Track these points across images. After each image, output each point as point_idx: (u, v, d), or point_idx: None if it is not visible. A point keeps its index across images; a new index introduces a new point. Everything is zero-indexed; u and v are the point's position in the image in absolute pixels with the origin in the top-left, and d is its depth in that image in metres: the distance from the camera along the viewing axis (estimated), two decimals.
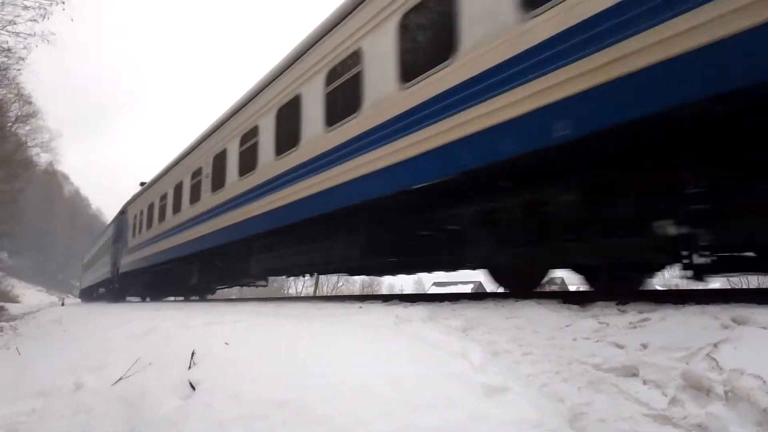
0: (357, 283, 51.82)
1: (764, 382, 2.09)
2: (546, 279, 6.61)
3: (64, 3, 16.64)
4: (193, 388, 2.79)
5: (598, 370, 2.77)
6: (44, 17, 17.36)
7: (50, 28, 20.15)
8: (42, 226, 65.71)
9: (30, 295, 50.04)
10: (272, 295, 31.57)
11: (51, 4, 16.90)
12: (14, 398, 3.75)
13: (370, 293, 29.10)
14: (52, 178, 70.78)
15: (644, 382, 2.53)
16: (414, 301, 6.27)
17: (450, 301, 5.82)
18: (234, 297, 19.61)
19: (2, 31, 17.99)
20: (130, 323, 5.68)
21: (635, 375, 2.62)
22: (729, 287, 4.37)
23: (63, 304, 25.31)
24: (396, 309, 5.13)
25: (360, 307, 6.11)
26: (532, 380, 2.87)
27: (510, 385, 2.64)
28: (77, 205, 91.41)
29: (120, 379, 3.36)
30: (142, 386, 3.05)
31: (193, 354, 3.22)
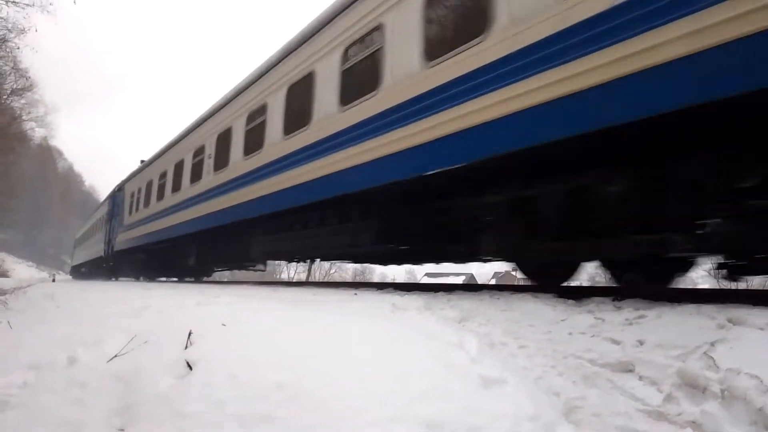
0: (349, 270, 51.91)
1: (761, 381, 2.11)
2: (577, 272, 6.25)
3: None
4: (190, 367, 2.78)
5: (594, 365, 2.79)
6: None
7: None
8: (35, 201, 65.24)
9: (20, 270, 49.74)
10: (264, 279, 31.61)
11: None
12: (5, 371, 3.71)
13: (363, 281, 29.13)
14: (47, 153, 70.10)
15: (640, 378, 2.55)
16: (409, 290, 6.28)
17: (445, 291, 5.84)
18: (226, 280, 19.44)
19: (1, 2, 17.63)
20: (124, 301, 5.65)
21: (631, 371, 2.64)
22: (722, 287, 4.37)
23: (54, 281, 25.05)
24: (392, 297, 5.14)
25: (355, 293, 6.12)
26: (528, 373, 2.89)
27: (506, 377, 2.64)
28: (71, 181, 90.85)
29: (115, 356, 3.34)
30: (137, 364, 3.03)
31: (190, 334, 3.20)
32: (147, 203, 16.07)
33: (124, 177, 20.64)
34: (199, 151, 11.99)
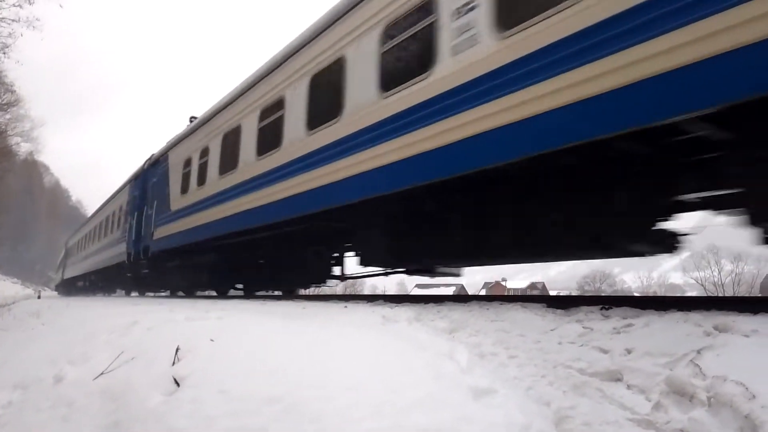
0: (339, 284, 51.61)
1: (747, 389, 2.14)
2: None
3: None
4: (178, 384, 2.76)
5: (583, 374, 2.81)
6: (30, 2, 16.95)
7: (35, 13, 19.69)
8: (21, 217, 64.41)
9: (4, 287, 48.86)
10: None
11: None
12: None
13: (353, 293, 28.95)
14: (33, 168, 69.36)
15: (628, 387, 2.58)
16: (399, 302, 6.29)
17: (435, 302, 5.85)
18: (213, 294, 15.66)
19: None
20: (111, 317, 5.59)
21: (619, 380, 2.66)
22: (708, 295, 4.44)
23: (39, 297, 24.51)
24: (382, 309, 5.14)
25: (345, 306, 6.11)
26: (518, 383, 2.90)
27: (497, 387, 2.66)
28: (57, 195, 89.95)
29: (102, 373, 3.31)
30: (125, 380, 3.01)
31: (177, 349, 3.18)
32: (205, 178, 11.04)
33: (172, 139, 13.98)
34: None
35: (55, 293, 39.48)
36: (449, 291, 42.56)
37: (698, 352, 2.53)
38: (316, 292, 15.14)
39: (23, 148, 43.93)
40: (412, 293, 24.38)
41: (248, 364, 2.66)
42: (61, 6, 16.76)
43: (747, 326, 2.70)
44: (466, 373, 2.80)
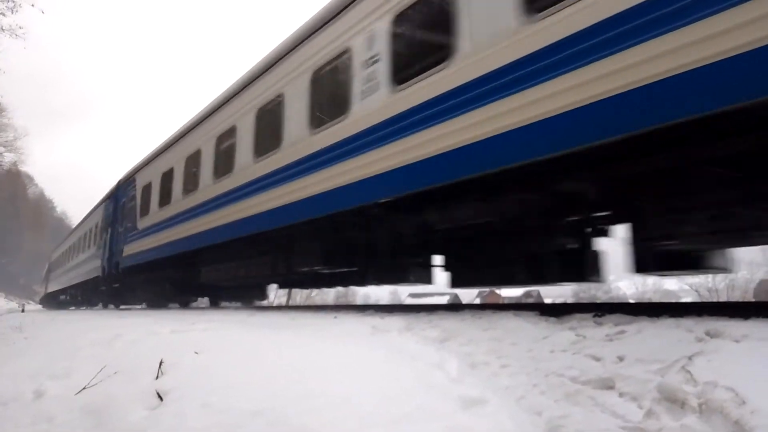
0: (331, 293, 51.35)
1: (737, 394, 2.13)
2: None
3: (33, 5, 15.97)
4: (161, 398, 2.69)
5: (575, 382, 2.78)
6: (12, 10, 16.78)
7: (18, 21, 19.50)
8: (5, 229, 63.44)
9: None
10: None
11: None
12: None
13: (345, 303, 28.82)
14: (17, 179, 68.47)
15: (620, 395, 2.55)
16: (391, 312, 6.23)
17: (427, 311, 5.81)
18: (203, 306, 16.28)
19: None
20: (95, 330, 5.48)
21: (611, 387, 2.63)
22: (702, 300, 4.45)
23: (23, 311, 24.06)
24: (372, 319, 5.09)
25: (335, 317, 6.04)
26: (510, 392, 2.86)
27: (488, 397, 2.62)
28: (42, 207, 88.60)
29: (84, 388, 3.22)
30: (107, 395, 2.93)
31: (161, 363, 3.11)
32: (170, 199, 11.62)
33: (138, 161, 14.80)
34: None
35: (40, 307, 38.79)
36: (443, 300, 42.48)
37: (689, 358, 2.51)
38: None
39: (7, 158, 43.41)
40: (404, 303, 24.27)
41: (233, 377, 2.60)
42: (42, 12, 16.46)
43: (738, 331, 2.69)
44: (457, 383, 2.76)
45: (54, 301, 33.09)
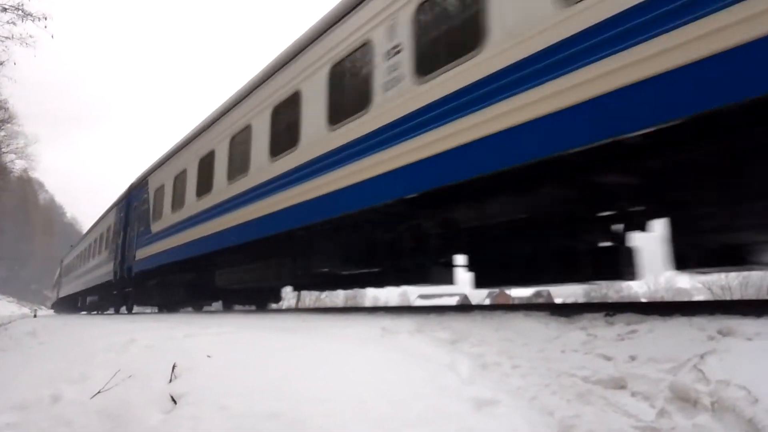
0: (340, 295, 51.44)
1: (749, 392, 2.13)
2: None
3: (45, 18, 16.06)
4: (175, 401, 2.73)
5: (587, 382, 2.79)
6: (23, 19, 16.95)
7: (28, 30, 19.67)
8: (16, 235, 64.08)
9: (0, 307, 48.54)
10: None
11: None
12: None
13: (354, 305, 28.84)
14: (27, 186, 69.17)
15: (632, 394, 2.55)
16: (401, 313, 6.24)
17: (437, 313, 5.81)
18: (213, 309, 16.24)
19: None
20: (109, 335, 5.54)
21: (623, 387, 2.64)
22: (714, 299, 4.38)
23: (35, 316, 24.32)
24: (382, 321, 5.10)
25: (345, 319, 6.07)
26: (522, 393, 2.87)
27: (500, 397, 2.63)
28: (52, 213, 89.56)
29: (99, 392, 3.27)
30: (123, 399, 2.97)
31: (174, 367, 3.15)
32: (183, 202, 11.54)
33: (151, 164, 14.77)
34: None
35: (51, 312, 39.09)
36: (452, 301, 42.35)
37: (702, 357, 2.51)
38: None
39: (18, 165, 43.72)
40: (414, 304, 24.22)
41: (248, 380, 2.64)
42: (48, 28, 16.60)
43: (750, 329, 2.69)
44: (468, 384, 2.78)
45: (66, 306, 33.34)
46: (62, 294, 34.02)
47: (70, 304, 31.73)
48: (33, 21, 15.99)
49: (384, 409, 2.29)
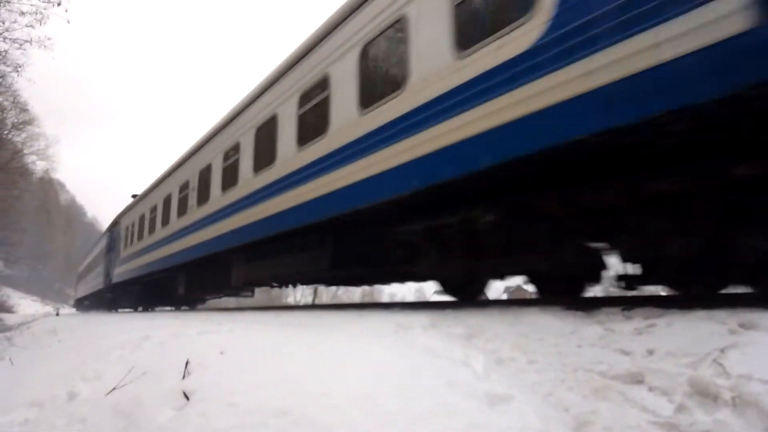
0: (357, 292, 51.59)
1: None
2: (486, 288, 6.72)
3: (59, 4, 16.09)
4: (187, 398, 2.73)
5: (604, 377, 2.72)
6: (41, 22, 17.17)
7: (46, 32, 20.02)
8: (38, 235, 65.45)
9: (25, 305, 49.71)
10: (270, 304, 31.43)
11: (47, 7, 16.55)
12: (7, 408, 3.68)
13: (371, 302, 28.89)
14: (48, 186, 70.54)
15: (650, 389, 2.48)
16: (416, 309, 6.20)
17: (452, 308, 5.76)
18: (232, 307, 19.05)
19: None
20: (125, 333, 5.61)
21: (641, 382, 2.57)
22: (735, 292, 4.26)
23: (58, 314, 25.09)
24: (396, 317, 5.06)
25: (359, 315, 6.05)
26: (537, 388, 2.81)
27: (514, 393, 2.58)
28: (73, 213, 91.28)
29: (114, 389, 3.30)
30: (137, 396, 2.99)
31: (187, 363, 3.16)
32: (140, 236, 17.22)
33: (122, 209, 21.89)
34: (184, 186, 13.01)
35: (74, 310, 40.18)
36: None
37: (722, 350, 2.43)
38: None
39: (39, 166, 44.52)
40: (429, 300, 24.13)
41: (258, 377, 2.63)
42: (68, 22, 16.68)
43: None
44: (482, 379, 2.73)
45: (84, 305, 35.53)
46: (78, 295, 39.95)
47: (89, 303, 32.99)
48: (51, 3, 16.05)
49: (393, 405, 2.26)
